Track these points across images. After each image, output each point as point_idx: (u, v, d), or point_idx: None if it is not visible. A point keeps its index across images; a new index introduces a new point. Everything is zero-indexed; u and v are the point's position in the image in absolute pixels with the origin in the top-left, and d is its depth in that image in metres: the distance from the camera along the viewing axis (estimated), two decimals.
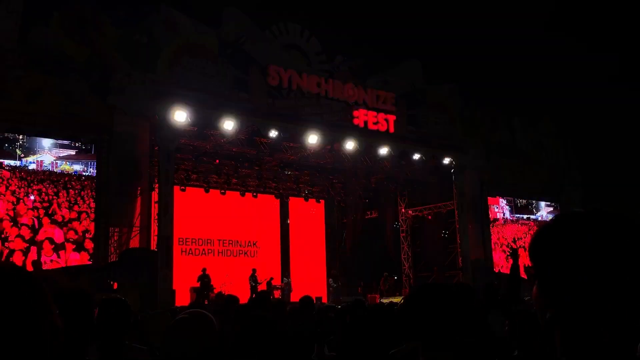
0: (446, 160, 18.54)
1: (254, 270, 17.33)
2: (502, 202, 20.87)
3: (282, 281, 18.42)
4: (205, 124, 14.72)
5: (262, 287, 16.69)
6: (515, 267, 7.25)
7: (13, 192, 12.12)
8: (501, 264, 19.73)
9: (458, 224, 18.65)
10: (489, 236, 19.33)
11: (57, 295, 2.41)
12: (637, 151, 22.78)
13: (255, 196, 19.88)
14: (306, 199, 21.38)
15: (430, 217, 20.54)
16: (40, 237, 12.27)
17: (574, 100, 24.19)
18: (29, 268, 11.96)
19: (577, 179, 22.12)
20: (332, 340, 4.77)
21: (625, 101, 24.97)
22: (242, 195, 19.38)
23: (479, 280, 17.73)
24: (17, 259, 11.88)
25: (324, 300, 18.52)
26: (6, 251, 11.86)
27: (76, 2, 13.44)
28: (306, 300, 7.20)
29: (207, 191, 18.55)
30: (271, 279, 17.62)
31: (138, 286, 13.05)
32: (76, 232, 12.72)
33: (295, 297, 16.14)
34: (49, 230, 12.37)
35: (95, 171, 13.31)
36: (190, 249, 18.24)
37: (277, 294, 17.15)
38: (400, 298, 14.66)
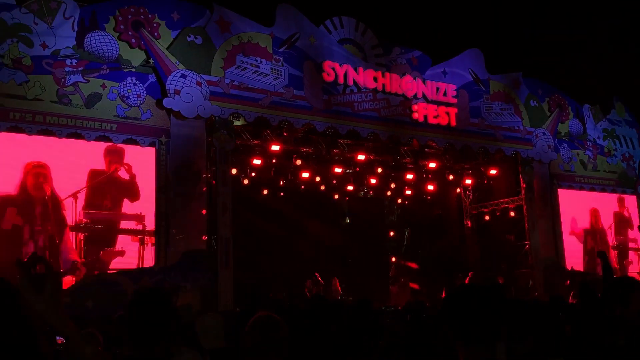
0: (512, 154, 17.82)
1: (316, 276, 17.25)
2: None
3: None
4: (260, 123, 14.57)
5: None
6: (607, 268, 6.59)
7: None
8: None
9: (527, 220, 17.77)
10: (560, 232, 18.34)
11: (137, 293, 2.83)
12: None
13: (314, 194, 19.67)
14: (364, 197, 20.98)
15: (497, 214, 19.72)
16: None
17: None
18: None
19: None
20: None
21: None
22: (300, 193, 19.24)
23: (550, 278, 17.03)
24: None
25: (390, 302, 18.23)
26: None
27: (130, 6, 13.46)
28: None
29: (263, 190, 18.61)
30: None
31: (199, 288, 13.05)
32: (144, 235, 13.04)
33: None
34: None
35: (155, 174, 13.31)
36: None
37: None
38: None
